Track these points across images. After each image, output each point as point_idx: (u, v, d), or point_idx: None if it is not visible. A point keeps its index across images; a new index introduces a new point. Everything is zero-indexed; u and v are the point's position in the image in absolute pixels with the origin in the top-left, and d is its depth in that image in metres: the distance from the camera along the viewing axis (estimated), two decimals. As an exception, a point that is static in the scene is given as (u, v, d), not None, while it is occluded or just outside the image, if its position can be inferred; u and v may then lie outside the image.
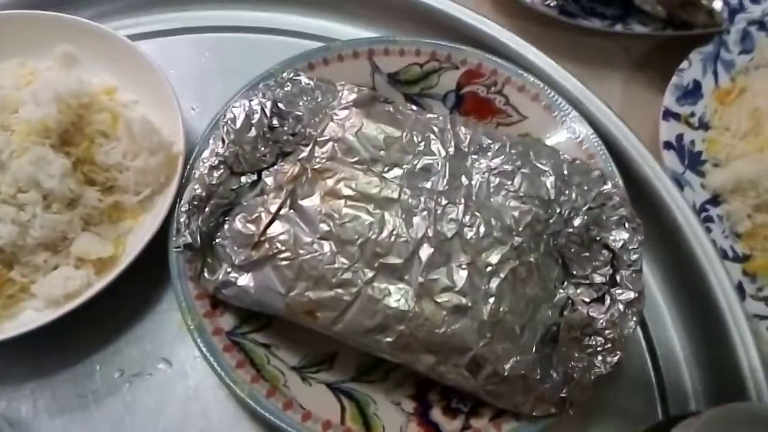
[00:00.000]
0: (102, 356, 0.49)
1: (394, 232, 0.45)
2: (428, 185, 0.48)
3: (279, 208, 0.46)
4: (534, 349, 0.44)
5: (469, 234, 0.46)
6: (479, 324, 0.43)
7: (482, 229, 0.46)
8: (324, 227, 0.45)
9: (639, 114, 0.63)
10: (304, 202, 0.46)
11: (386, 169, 0.48)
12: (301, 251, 0.44)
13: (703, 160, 0.61)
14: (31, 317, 0.48)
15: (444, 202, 0.47)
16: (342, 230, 0.45)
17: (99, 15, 0.64)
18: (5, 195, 0.48)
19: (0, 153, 0.49)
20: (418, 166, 0.49)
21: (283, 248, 0.45)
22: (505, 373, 0.43)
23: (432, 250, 0.45)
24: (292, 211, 0.46)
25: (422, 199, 0.47)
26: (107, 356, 0.49)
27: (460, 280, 0.44)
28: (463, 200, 0.47)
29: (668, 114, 0.61)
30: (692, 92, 0.63)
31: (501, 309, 0.44)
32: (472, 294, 0.44)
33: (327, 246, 0.45)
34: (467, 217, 0.47)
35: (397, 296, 0.43)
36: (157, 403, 0.48)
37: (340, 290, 0.43)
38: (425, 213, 0.46)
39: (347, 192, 0.47)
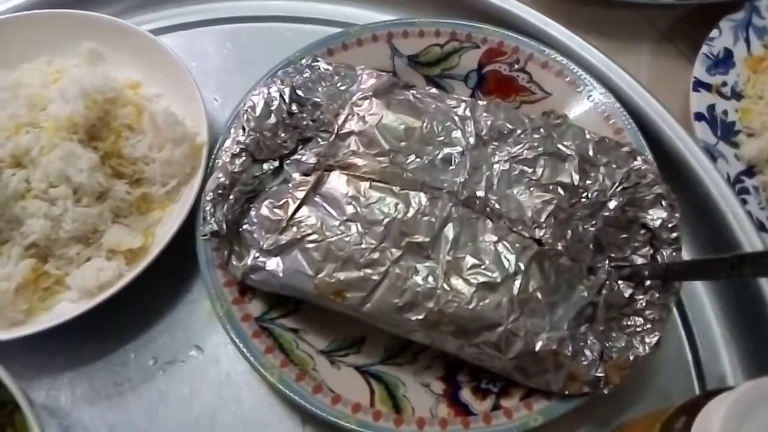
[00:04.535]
0: (136, 345, 0.50)
1: (420, 212, 0.45)
2: (448, 176, 0.47)
3: (306, 195, 0.46)
4: (566, 326, 0.43)
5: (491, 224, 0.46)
6: (509, 299, 0.43)
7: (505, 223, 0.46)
8: (350, 209, 0.45)
9: (668, 86, 0.61)
10: (330, 188, 0.47)
11: (407, 160, 0.48)
12: (328, 233, 0.45)
13: (737, 131, 0.59)
14: (66, 308, 0.49)
15: (465, 194, 0.47)
16: (368, 211, 0.45)
17: (122, 11, 0.65)
18: (37, 190, 0.49)
19: (30, 150, 0.50)
20: (438, 157, 0.48)
21: (311, 231, 0.45)
22: (536, 349, 0.42)
23: (458, 229, 0.45)
24: (318, 196, 0.47)
25: (443, 192, 0.47)
26: (141, 345, 0.50)
27: (488, 257, 0.44)
28: (483, 192, 0.47)
29: (699, 84, 0.59)
30: (723, 61, 0.61)
31: (530, 285, 0.43)
32: (501, 270, 0.44)
33: (354, 227, 0.45)
34: (488, 209, 0.46)
35: (425, 273, 0.43)
36: (190, 389, 0.49)
37: (368, 270, 0.44)
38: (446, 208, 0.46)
39: (372, 179, 0.47)
